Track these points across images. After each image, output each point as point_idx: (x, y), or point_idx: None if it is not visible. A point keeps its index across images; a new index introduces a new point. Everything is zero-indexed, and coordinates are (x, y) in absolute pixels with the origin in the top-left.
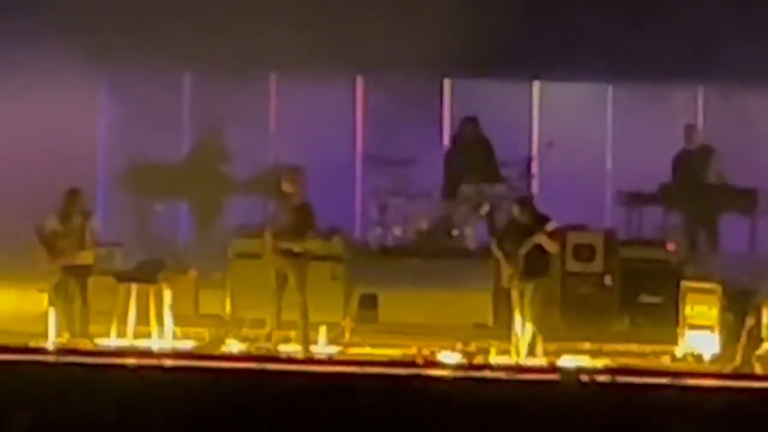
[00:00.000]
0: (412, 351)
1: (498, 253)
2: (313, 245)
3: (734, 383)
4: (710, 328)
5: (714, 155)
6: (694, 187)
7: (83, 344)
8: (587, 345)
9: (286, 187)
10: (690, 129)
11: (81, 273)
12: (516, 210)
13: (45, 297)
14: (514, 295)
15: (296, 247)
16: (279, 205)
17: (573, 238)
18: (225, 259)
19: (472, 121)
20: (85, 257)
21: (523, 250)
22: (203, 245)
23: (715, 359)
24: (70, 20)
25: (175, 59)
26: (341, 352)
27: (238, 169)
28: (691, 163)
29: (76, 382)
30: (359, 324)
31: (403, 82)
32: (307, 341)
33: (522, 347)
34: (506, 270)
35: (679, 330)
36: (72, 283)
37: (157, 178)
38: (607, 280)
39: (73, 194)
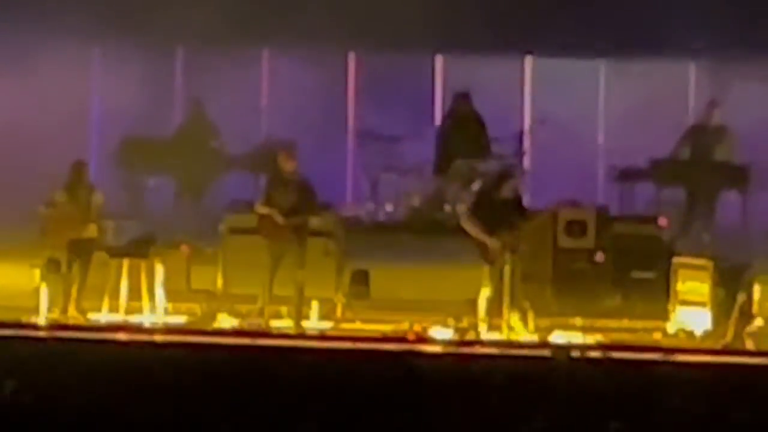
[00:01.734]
0: (404, 327)
1: (476, 227)
2: (315, 221)
3: (725, 359)
4: (702, 304)
5: (729, 134)
6: (694, 164)
7: (76, 319)
8: (579, 321)
9: (285, 164)
10: (711, 105)
11: (85, 246)
12: (500, 184)
13: (37, 272)
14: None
15: (300, 224)
16: (277, 182)
17: (565, 214)
18: (216, 235)
19: (464, 97)
20: (90, 230)
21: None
22: (193, 221)
23: (707, 335)
24: None
25: (167, 34)
26: (333, 328)
27: (230, 145)
28: (703, 140)
29: (68, 357)
30: (351, 300)
31: (394, 57)
32: (299, 317)
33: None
34: (494, 244)
35: (670, 306)
36: (75, 257)
37: (150, 153)
38: (599, 256)
39: (78, 167)
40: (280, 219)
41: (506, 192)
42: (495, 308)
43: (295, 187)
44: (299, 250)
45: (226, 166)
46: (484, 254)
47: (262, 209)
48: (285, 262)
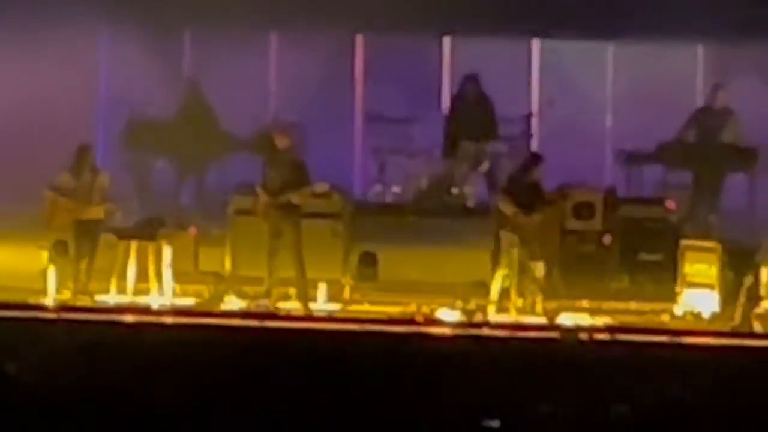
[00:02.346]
0: (412, 309)
1: (514, 207)
2: (305, 199)
3: (733, 342)
4: (709, 286)
5: (734, 117)
6: (701, 146)
7: (83, 301)
8: (586, 303)
9: (278, 142)
10: (716, 88)
11: (91, 228)
12: (530, 168)
13: (45, 254)
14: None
15: (289, 201)
16: (271, 160)
17: (572, 197)
18: (224, 217)
19: (472, 79)
20: (96, 212)
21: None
22: (196, 202)
23: (714, 318)
24: None
25: (175, 17)
26: (341, 310)
27: (238, 128)
28: (709, 122)
29: (76, 339)
30: (359, 281)
31: (402, 39)
32: (305, 298)
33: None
34: (530, 225)
35: (678, 288)
36: (81, 239)
37: (157, 135)
38: (606, 238)
39: (83, 150)
40: (265, 198)
41: (535, 175)
42: (518, 290)
43: (286, 166)
44: (293, 230)
45: (229, 148)
46: (517, 233)
47: (259, 189)
48: (287, 243)
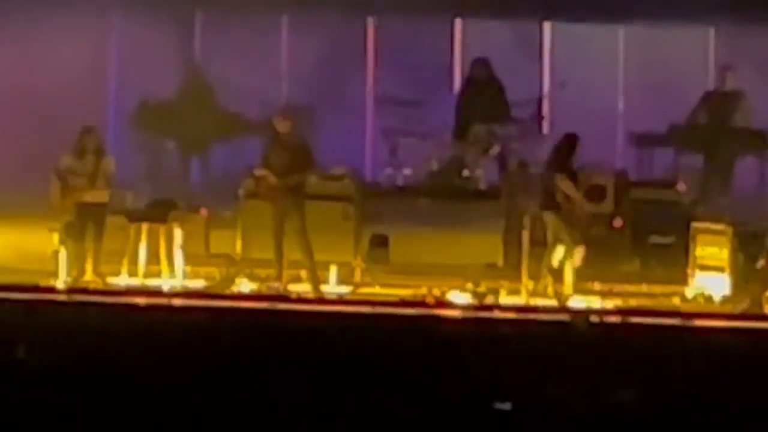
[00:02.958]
0: (423, 291)
1: (573, 188)
2: (306, 181)
3: (744, 324)
4: (720, 269)
5: (744, 99)
6: (712, 129)
7: (94, 283)
8: (597, 286)
9: (279, 125)
10: (725, 70)
11: (96, 211)
12: (573, 149)
13: (55, 236)
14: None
15: (296, 183)
16: (273, 143)
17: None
18: (234, 199)
19: (483, 62)
20: (100, 195)
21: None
22: (203, 185)
23: (725, 300)
24: None
25: None
26: (352, 292)
27: (249, 111)
28: (719, 105)
29: (86, 322)
30: (370, 264)
31: (413, 22)
32: (315, 281)
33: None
34: (587, 206)
35: (689, 271)
36: (87, 221)
37: (164, 116)
38: (617, 221)
39: (86, 132)
40: (273, 179)
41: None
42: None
43: (290, 150)
44: (298, 212)
45: (236, 130)
46: (571, 216)
47: (259, 171)
48: (292, 226)
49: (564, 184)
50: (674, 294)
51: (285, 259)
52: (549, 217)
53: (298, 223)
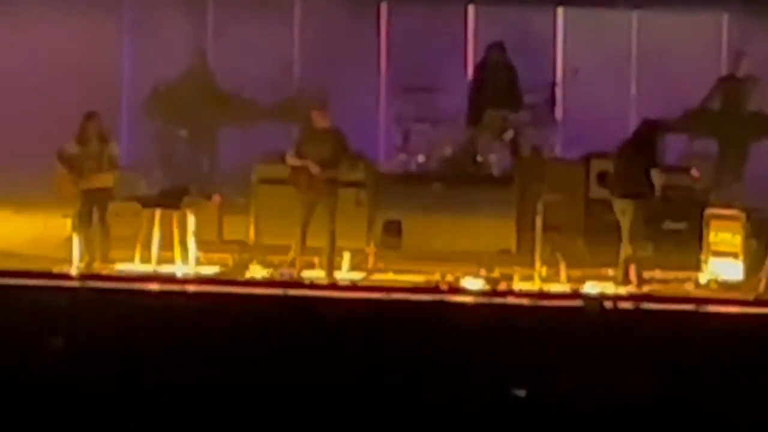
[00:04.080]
0: (436, 277)
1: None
2: (348, 173)
3: (757, 310)
4: (734, 255)
5: (758, 85)
6: (725, 114)
7: (103, 269)
8: (611, 271)
9: (319, 122)
10: (738, 56)
11: (100, 196)
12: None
13: (68, 222)
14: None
15: (336, 175)
16: (310, 135)
17: (597, 165)
18: (247, 185)
19: (497, 46)
20: (104, 180)
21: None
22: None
23: (739, 286)
24: None
25: None
26: (365, 279)
27: (262, 96)
28: (733, 91)
29: (100, 308)
30: (383, 250)
31: (427, 7)
32: (331, 268)
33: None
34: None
35: (702, 257)
36: (92, 207)
37: (173, 103)
38: None
39: (89, 117)
40: (315, 169)
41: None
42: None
43: (329, 140)
44: (331, 201)
45: (248, 116)
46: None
47: (295, 161)
48: (317, 213)
49: (657, 176)
50: (687, 280)
51: (304, 247)
52: (628, 206)
53: (330, 212)
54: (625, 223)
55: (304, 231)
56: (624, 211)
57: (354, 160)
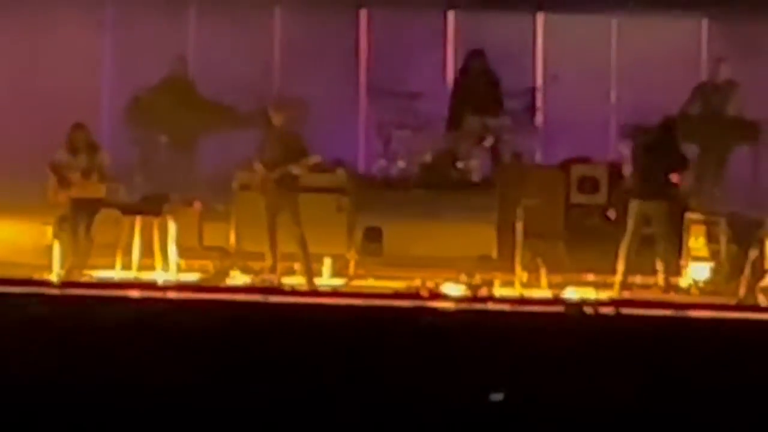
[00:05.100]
0: (417, 283)
1: None
2: (304, 173)
3: (738, 315)
4: (714, 259)
5: (737, 90)
6: (705, 120)
7: (86, 277)
8: (591, 277)
9: (274, 118)
10: (718, 62)
11: (89, 206)
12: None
13: (49, 230)
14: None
15: (287, 175)
16: (267, 136)
17: (577, 171)
18: (227, 192)
19: (478, 53)
20: (95, 190)
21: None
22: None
23: (719, 291)
24: None
25: None
26: (345, 285)
27: (242, 103)
28: (713, 96)
29: (80, 315)
30: (364, 256)
31: (406, 13)
32: (310, 273)
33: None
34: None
35: (683, 262)
36: (79, 216)
37: (153, 110)
38: (611, 213)
39: (76, 129)
40: (262, 172)
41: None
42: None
43: (282, 141)
44: (292, 205)
45: (226, 123)
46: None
47: (257, 164)
48: (286, 219)
49: (683, 175)
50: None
51: (279, 252)
52: (651, 207)
53: (291, 216)
54: (658, 228)
55: (272, 236)
56: (646, 213)
57: (303, 160)
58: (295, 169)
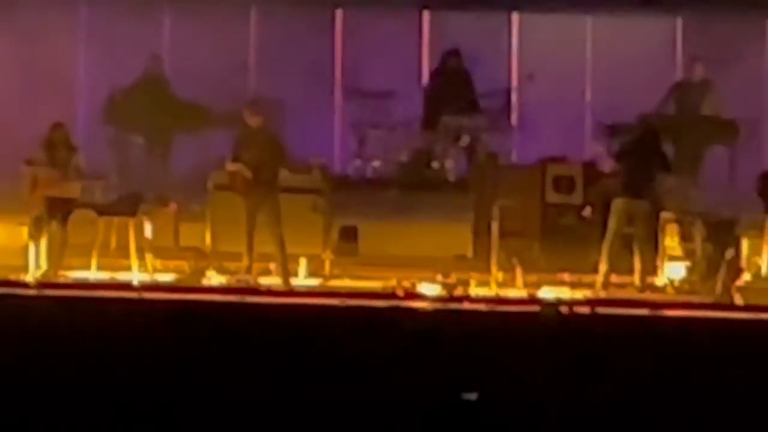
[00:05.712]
0: (393, 283)
1: None
2: (281, 175)
3: (714, 314)
4: (690, 259)
5: (713, 89)
6: (680, 119)
7: (59, 277)
8: (567, 276)
9: (250, 119)
10: (693, 61)
11: (63, 205)
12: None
13: (25, 230)
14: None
15: (269, 177)
16: (245, 137)
17: (553, 170)
18: (203, 192)
19: (453, 53)
20: (70, 190)
21: None
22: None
23: (695, 290)
24: None
25: None
26: (321, 285)
27: (216, 103)
28: (688, 95)
29: (56, 315)
30: (339, 256)
31: (382, 13)
32: (286, 274)
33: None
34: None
35: (658, 261)
36: (56, 215)
37: (129, 110)
38: (586, 211)
39: (56, 128)
40: (248, 174)
41: None
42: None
43: (262, 142)
44: (271, 206)
45: (201, 123)
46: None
47: (231, 166)
48: (264, 220)
49: (670, 177)
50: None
51: (255, 252)
52: (637, 206)
53: (271, 217)
54: (640, 227)
55: (250, 237)
56: (633, 213)
57: (286, 162)
58: (280, 171)
